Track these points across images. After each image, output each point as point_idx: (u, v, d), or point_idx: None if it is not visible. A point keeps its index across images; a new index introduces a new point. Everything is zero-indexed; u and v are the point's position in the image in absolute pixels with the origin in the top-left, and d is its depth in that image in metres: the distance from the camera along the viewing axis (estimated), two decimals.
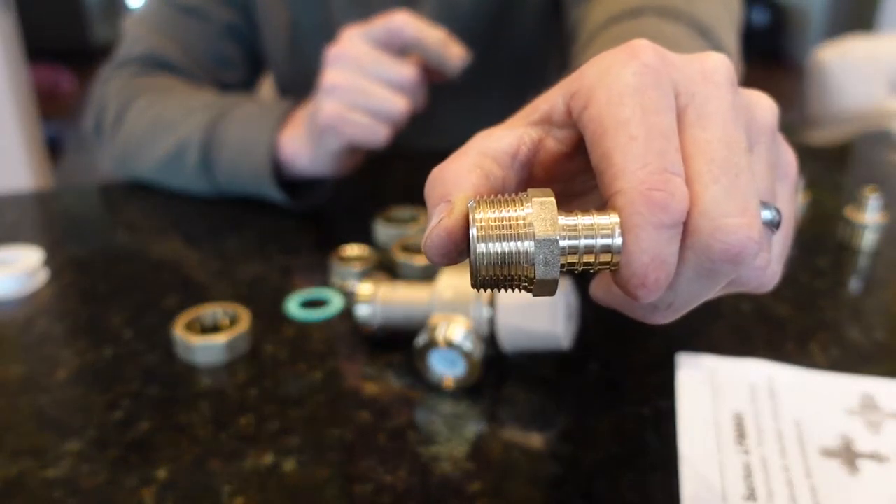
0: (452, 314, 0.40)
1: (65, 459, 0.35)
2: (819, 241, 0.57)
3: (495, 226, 0.22)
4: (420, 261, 0.50)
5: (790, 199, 0.28)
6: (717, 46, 0.50)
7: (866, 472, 0.34)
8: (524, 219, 0.22)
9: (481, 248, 0.22)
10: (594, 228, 0.22)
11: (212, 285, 0.51)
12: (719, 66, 0.25)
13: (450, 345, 0.38)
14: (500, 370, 0.41)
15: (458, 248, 0.24)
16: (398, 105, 0.54)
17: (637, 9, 0.51)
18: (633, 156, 0.22)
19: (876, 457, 0.35)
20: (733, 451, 0.35)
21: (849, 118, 1.60)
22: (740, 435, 0.36)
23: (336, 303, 0.48)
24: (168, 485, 0.34)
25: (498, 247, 0.22)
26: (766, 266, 0.25)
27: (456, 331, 0.39)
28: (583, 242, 0.22)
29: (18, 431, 0.37)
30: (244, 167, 0.62)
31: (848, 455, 0.35)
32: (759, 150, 0.26)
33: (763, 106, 0.27)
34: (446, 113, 0.74)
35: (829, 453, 0.35)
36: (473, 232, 0.22)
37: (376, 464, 0.35)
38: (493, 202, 0.23)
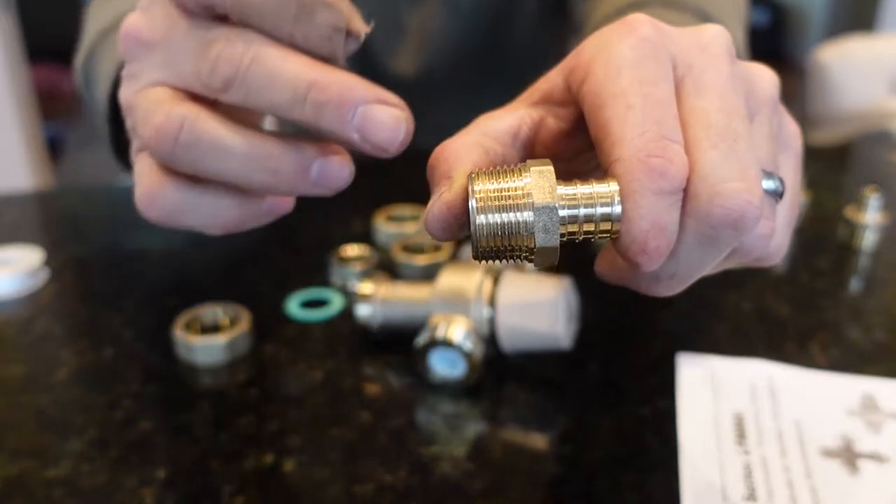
0: (453, 314, 0.40)
1: (65, 459, 0.35)
2: (819, 241, 0.57)
3: (494, 197, 0.22)
4: (420, 261, 0.50)
5: (794, 170, 0.28)
6: None
7: (867, 473, 0.34)
8: (522, 189, 0.22)
9: (480, 219, 0.22)
10: (593, 197, 0.22)
11: (212, 285, 0.51)
12: (716, 37, 0.25)
13: (450, 345, 0.38)
14: (500, 370, 0.41)
15: (459, 222, 0.24)
16: (166, 120, 0.26)
17: (643, 0, 0.52)
18: (630, 124, 0.22)
19: (876, 457, 0.35)
20: (733, 451, 0.35)
21: (849, 118, 1.60)
22: (740, 435, 0.36)
23: (336, 303, 0.48)
24: (168, 485, 0.34)
25: (497, 217, 0.22)
26: (770, 235, 0.25)
27: (456, 331, 0.39)
28: (582, 211, 0.22)
29: (19, 431, 0.37)
30: (99, 108, 0.45)
31: (848, 455, 0.35)
32: (759, 120, 0.26)
33: (763, 77, 0.27)
34: (446, 111, 0.74)
35: (829, 453, 0.35)
36: (472, 203, 0.22)
37: (376, 464, 0.35)
38: (491, 174, 0.23)
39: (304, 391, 0.40)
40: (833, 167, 0.76)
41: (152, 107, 0.25)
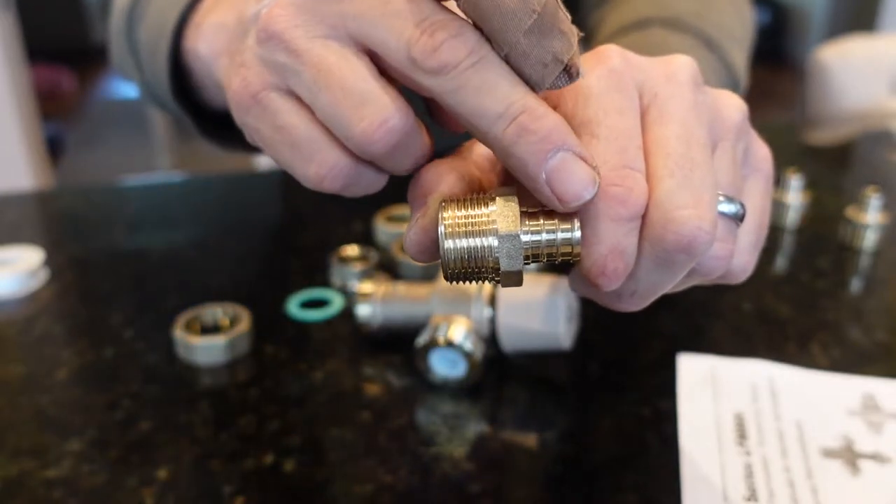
0: (453, 314, 0.40)
1: (65, 459, 0.35)
2: (820, 241, 0.57)
3: (462, 223, 0.24)
4: None
5: (762, 193, 0.29)
6: (723, 59, 0.50)
7: (867, 473, 0.34)
8: (488, 216, 0.24)
9: (448, 244, 0.24)
10: (555, 223, 0.24)
11: (212, 285, 0.51)
12: (683, 67, 0.26)
13: (450, 345, 0.38)
14: (500, 370, 0.41)
15: (435, 245, 0.25)
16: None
17: (645, 20, 0.52)
18: (594, 154, 0.24)
19: (877, 457, 0.35)
20: (734, 451, 0.35)
21: (849, 118, 1.60)
22: (741, 435, 0.36)
23: (336, 303, 0.48)
24: (168, 485, 0.34)
25: (464, 243, 0.24)
26: (728, 256, 0.26)
27: (456, 331, 0.39)
28: (544, 237, 0.24)
29: (19, 431, 0.37)
30: (154, 57, 0.43)
31: (849, 455, 0.35)
32: (723, 147, 0.27)
33: (729, 104, 0.28)
34: None
35: (830, 454, 0.35)
36: (441, 230, 0.24)
37: (376, 464, 0.35)
38: (461, 202, 0.24)
39: (304, 391, 0.40)
40: (833, 167, 0.76)
41: (362, 88, 0.23)
